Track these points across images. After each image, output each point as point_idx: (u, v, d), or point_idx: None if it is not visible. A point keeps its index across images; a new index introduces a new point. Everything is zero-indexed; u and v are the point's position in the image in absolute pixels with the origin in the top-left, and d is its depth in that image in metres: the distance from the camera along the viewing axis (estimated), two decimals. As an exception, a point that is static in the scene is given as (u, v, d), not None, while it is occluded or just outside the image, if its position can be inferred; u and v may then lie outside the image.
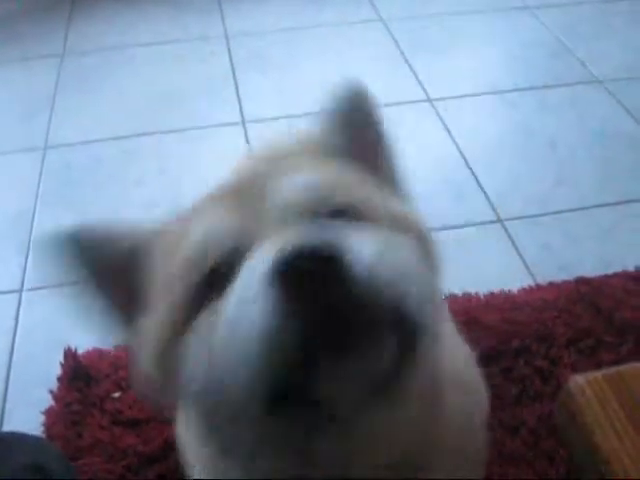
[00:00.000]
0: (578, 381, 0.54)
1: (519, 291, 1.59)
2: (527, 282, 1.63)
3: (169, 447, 1.27)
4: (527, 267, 1.67)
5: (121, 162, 2.03)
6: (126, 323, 0.69)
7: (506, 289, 1.59)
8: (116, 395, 1.37)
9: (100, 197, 1.93)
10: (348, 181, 0.65)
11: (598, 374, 0.54)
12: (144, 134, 2.12)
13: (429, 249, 0.67)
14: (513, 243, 1.73)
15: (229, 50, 2.49)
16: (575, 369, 1.42)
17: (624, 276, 1.63)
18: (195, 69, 2.42)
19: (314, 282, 0.48)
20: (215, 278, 0.58)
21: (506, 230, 1.76)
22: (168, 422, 1.29)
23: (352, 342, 0.50)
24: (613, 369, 0.55)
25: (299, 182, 0.61)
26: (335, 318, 0.48)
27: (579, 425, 0.51)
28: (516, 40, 2.54)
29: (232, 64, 2.43)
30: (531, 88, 2.27)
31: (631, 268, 1.65)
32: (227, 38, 2.57)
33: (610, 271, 1.65)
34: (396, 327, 0.52)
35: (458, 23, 2.62)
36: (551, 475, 1.24)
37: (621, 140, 2.07)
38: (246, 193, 0.62)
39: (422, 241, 0.66)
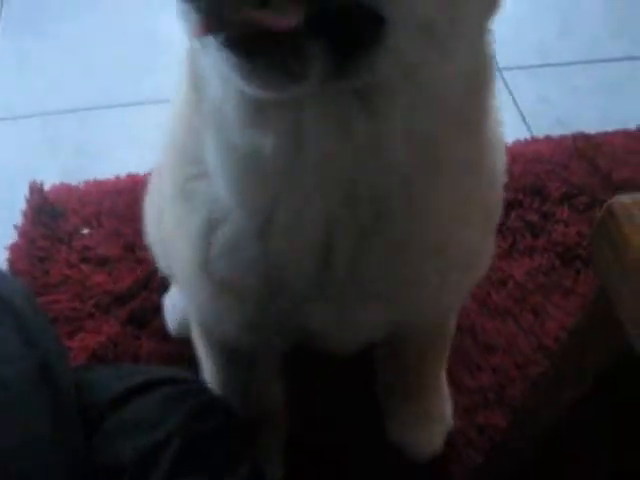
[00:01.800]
0: (623, 202, 0.43)
1: (514, 143, 1.50)
2: (523, 135, 1.54)
3: (140, 286, 1.21)
4: (524, 119, 1.58)
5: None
6: None
7: (500, 140, 1.50)
8: (85, 231, 1.29)
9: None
10: None
11: None
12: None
13: None
14: (510, 93, 1.62)
15: None
16: (567, 225, 1.36)
17: (625, 134, 1.55)
18: None
19: None
20: None
21: (504, 79, 1.65)
22: (139, 261, 1.23)
23: None
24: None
25: None
26: None
27: (625, 259, 0.41)
28: None
29: None
30: None
31: (633, 126, 1.57)
32: None
33: (611, 128, 1.56)
34: None
35: None
36: (535, 329, 1.21)
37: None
38: None
39: None
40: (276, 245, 0.63)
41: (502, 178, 0.75)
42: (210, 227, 0.66)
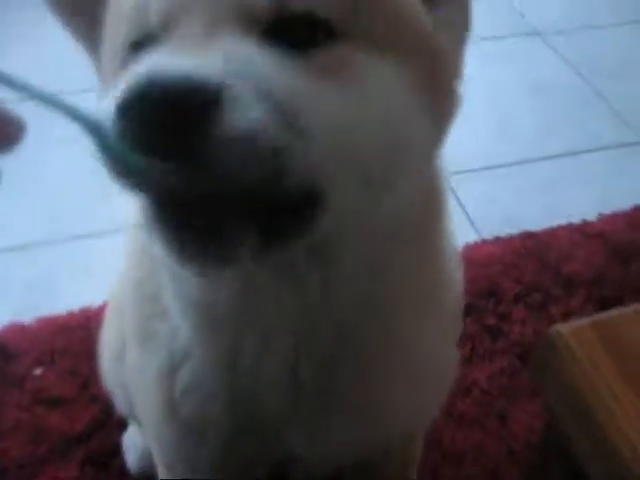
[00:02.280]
0: (560, 331, 0.44)
1: (464, 247, 1.52)
2: (472, 237, 1.57)
3: (97, 426, 1.17)
4: (471, 222, 1.61)
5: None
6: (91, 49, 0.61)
7: (451, 245, 1.52)
8: (38, 372, 1.26)
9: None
10: None
11: (583, 322, 0.44)
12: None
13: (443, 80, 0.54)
14: (456, 198, 1.66)
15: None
16: (524, 324, 1.37)
17: (570, 228, 1.59)
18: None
19: (159, 130, 0.39)
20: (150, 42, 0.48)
21: (448, 184, 1.69)
22: (95, 399, 1.19)
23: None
24: (601, 315, 0.46)
25: None
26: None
27: (564, 385, 0.42)
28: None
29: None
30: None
31: (577, 220, 1.61)
32: None
33: (556, 224, 1.60)
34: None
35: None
36: (504, 436, 1.19)
37: (561, 92, 2.03)
38: None
39: (436, 68, 0.52)
40: (243, 375, 0.62)
41: (460, 293, 0.76)
42: (172, 367, 0.66)
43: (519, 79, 2.06)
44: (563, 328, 0.43)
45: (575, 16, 2.34)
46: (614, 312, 0.46)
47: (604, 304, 1.42)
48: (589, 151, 1.82)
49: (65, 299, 1.39)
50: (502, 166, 1.77)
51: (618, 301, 1.43)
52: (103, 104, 0.42)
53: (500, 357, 1.30)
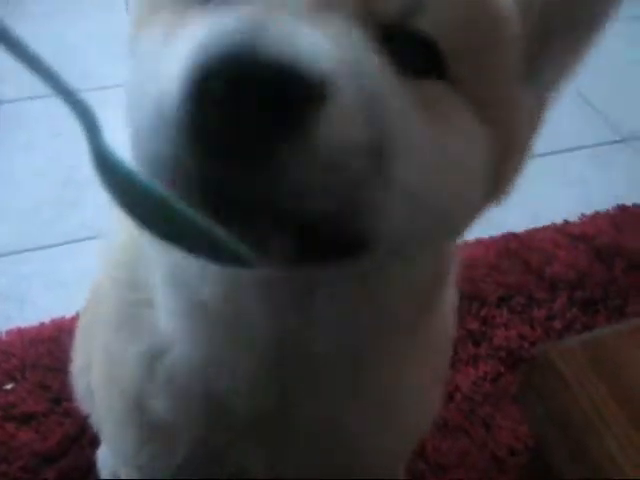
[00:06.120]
0: (547, 352, 0.41)
1: (446, 250, 1.50)
2: (454, 239, 1.54)
3: (70, 442, 1.13)
4: (453, 224, 1.59)
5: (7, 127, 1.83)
6: None
7: (432, 248, 1.50)
8: (8, 387, 1.22)
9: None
10: None
11: (572, 341, 0.42)
12: (34, 97, 1.92)
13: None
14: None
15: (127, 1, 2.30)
16: (508, 328, 1.35)
17: (553, 229, 1.57)
18: (87, 23, 2.22)
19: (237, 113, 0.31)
20: None
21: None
22: (67, 414, 1.16)
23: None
24: (589, 335, 0.43)
25: None
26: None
27: (551, 409, 0.39)
28: None
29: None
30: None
31: (559, 220, 1.59)
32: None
33: (538, 224, 1.58)
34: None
35: None
36: (489, 443, 1.17)
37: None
38: None
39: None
40: (221, 375, 0.59)
41: (450, 344, 0.74)
42: (152, 356, 0.62)
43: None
44: (551, 348, 0.40)
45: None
46: (606, 330, 0.44)
47: (588, 306, 1.40)
48: (569, 150, 1.81)
49: (36, 311, 1.35)
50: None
51: (602, 303, 1.41)
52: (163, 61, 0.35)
53: (483, 362, 1.28)
